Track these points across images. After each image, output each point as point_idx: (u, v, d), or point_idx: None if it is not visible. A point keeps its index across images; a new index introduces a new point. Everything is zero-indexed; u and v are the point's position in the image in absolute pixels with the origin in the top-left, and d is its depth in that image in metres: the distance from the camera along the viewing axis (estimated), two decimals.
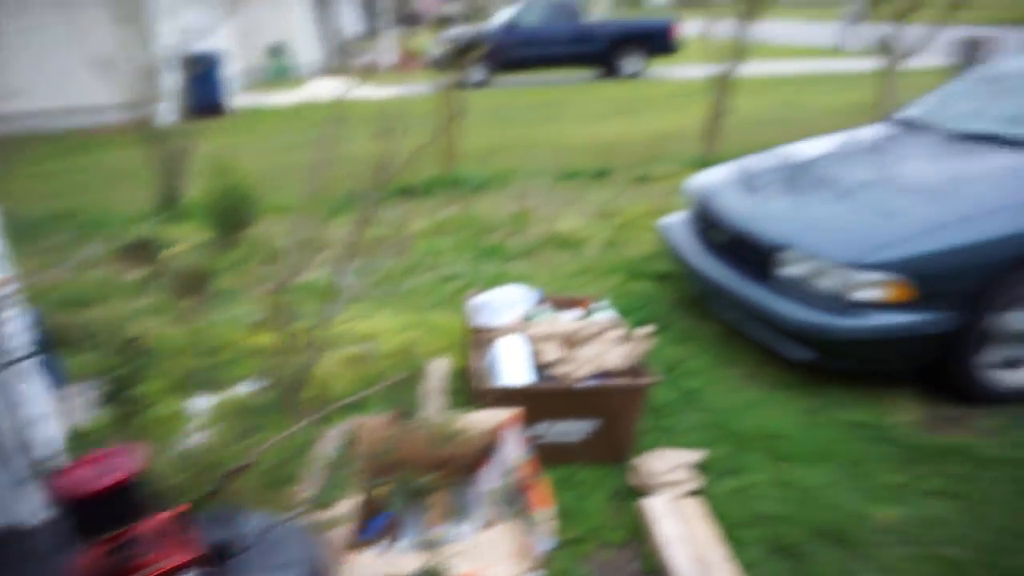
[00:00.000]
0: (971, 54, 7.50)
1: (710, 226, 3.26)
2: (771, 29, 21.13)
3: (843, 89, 9.90)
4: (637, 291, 3.72)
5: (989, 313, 2.50)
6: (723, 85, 6.39)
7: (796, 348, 2.69)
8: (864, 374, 2.76)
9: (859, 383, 2.76)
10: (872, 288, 2.48)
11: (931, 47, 6.55)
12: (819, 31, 19.73)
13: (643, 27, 13.55)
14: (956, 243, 2.46)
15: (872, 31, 6.71)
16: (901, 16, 6.58)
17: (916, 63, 7.17)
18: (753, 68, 13.08)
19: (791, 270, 2.72)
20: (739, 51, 6.27)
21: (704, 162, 5.90)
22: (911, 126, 3.63)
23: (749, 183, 3.41)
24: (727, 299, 2.97)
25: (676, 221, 3.65)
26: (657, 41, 13.29)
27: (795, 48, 17.17)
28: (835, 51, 14.94)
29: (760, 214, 3.04)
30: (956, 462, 2.35)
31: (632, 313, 3.38)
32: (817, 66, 13.53)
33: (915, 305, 2.47)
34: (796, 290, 2.69)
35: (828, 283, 2.58)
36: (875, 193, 2.96)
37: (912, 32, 6.40)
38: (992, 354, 2.59)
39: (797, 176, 3.34)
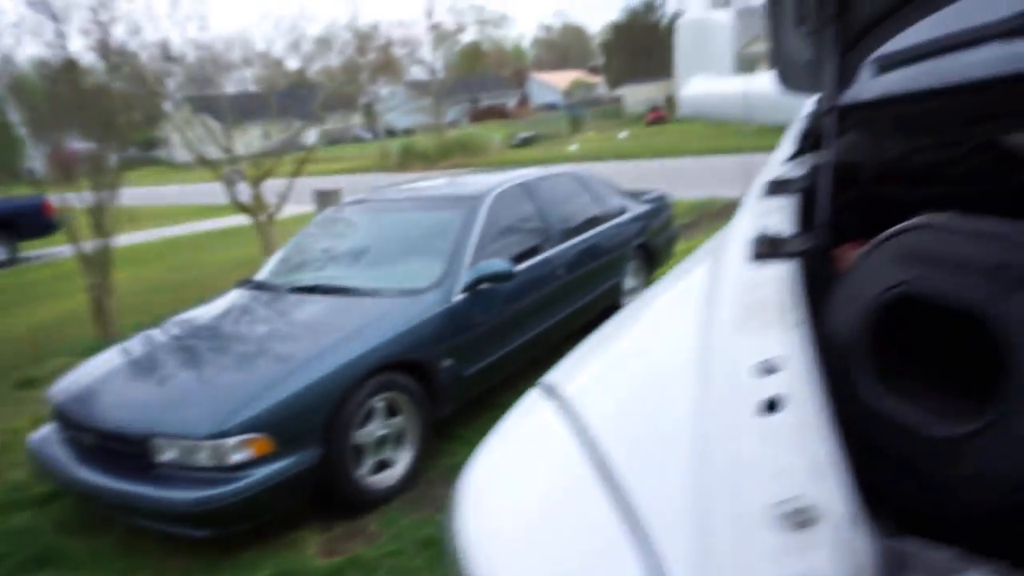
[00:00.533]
0: (325, 201, 8.98)
1: (78, 431, 3.01)
2: (169, 192, 21.31)
3: (242, 243, 10.56)
4: (16, 527, 3.16)
5: (347, 434, 2.93)
6: (100, 260, 6.08)
7: (194, 529, 2.66)
8: (267, 524, 2.89)
9: (265, 535, 2.89)
10: (239, 451, 2.65)
11: (296, 197, 7.56)
12: (218, 189, 20.78)
13: (3, 210, 11.82)
14: (295, 389, 2.82)
15: (248, 188, 7.42)
16: (262, 177, 7.45)
17: (289, 211, 8.19)
18: (151, 234, 12.92)
19: (166, 456, 2.70)
20: (101, 224, 6.03)
21: (98, 347, 5.48)
22: (259, 287, 4.06)
23: (113, 374, 3.29)
24: (116, 503, 2.77)
25: (45, 434, 3.27)
26: (27, 223, 11.80)
27: (196, 208, 17.70)
28: (234, 207, 15.91)
29: (122, 406, 2.96)
30: (355, 573, 2.64)
31: (9, 557, 2.85)
32: (219, 223, 14.18)
33: (281, 452, 2.72)
34: (177, 473, 2.68)
35: (202, 457, 2.65)
36: (228, 360, 3.19)
37: (276, 186, 7.29)
38: (364, 465, 3.04)
39: (157, 356, 3.37)
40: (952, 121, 1.24)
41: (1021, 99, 1.17)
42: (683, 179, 12.84)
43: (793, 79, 1.49)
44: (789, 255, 0.83)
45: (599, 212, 5.35)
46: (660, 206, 6.95)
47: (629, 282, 5.72)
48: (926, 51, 1.57)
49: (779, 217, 1.00)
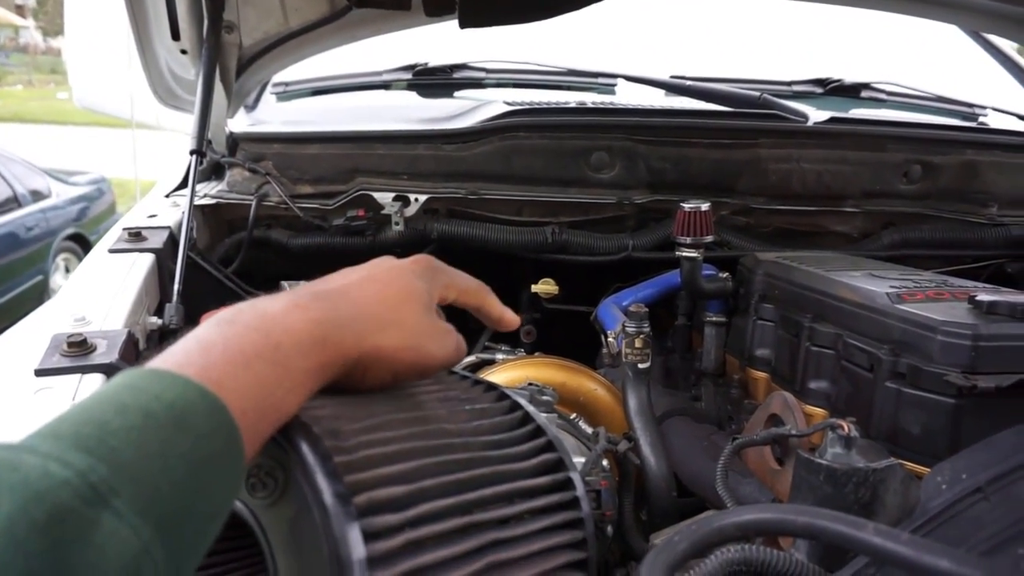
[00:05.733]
0: None
1: None
2: None
3: None
4: None
5: None
6: None
7: None
8: None
9: None
10: None
11: None
12: None
13: None
14: None
15: None
16: None
17: None
18: None
19: None
20: None
21: None
22: None
23: None
24: None
25: None
26: None
27: None
28: None
29: None
30: None
31: None
32: None
33: None
34: None
35: None
36: None
37: None
38: None
39: None
40: (333, 169, 1.23)
41: (374, 157, 1.23)
42: (143, 153, 11.49)
43: (172, 96, 1.30)
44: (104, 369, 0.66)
45: (9, 194, 4.33)
46: (99, 189, 6.04)
47: (60, 280, 4.81)
48: (324, 87, 1.57)
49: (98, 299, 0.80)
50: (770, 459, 0.73)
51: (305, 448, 0.44)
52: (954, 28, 1.68)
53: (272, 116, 1.44)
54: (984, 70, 1.77)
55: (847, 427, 0.60)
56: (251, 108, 1.47)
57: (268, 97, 1.53)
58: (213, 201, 1.22)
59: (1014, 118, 1.51)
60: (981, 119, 1.53)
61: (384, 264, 0.55)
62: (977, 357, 0.68)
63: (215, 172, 1.33)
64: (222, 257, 1.21)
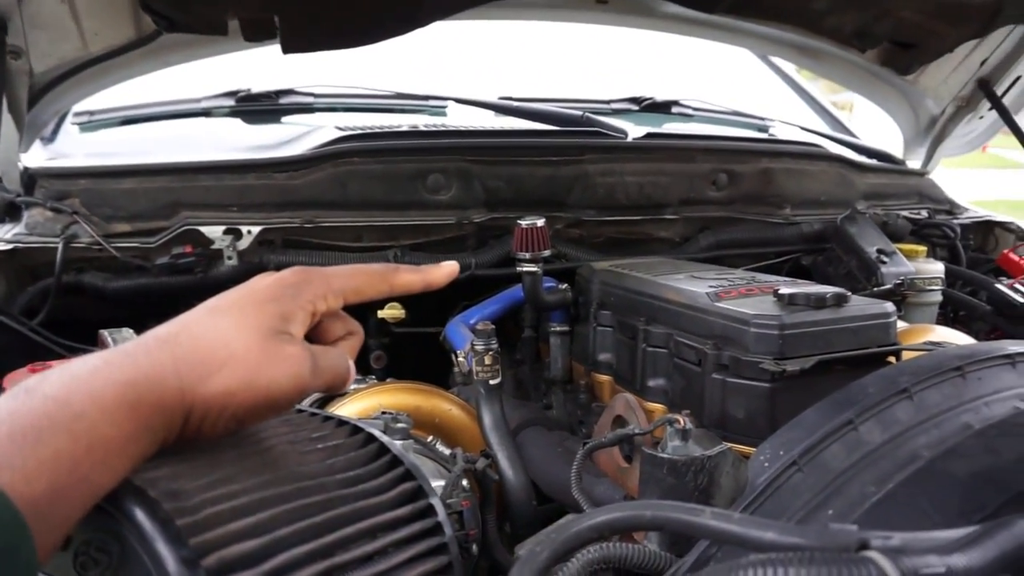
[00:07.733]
0: None
1: None
2: None
3: None
4: None
5: None
6: None
7: None
8: None
9: None
10: None
11: None
12: None
13: None
14: None
15: None
16: None
17: None
18: None
19: None
20: None
21: None
22: None
23: None
24: None
25: None
26: None
27: None
28: None
29: None
30: None
31: None
32: None
33: None
34: None
35: None
36: None
37: None
38: None
39: None
40: (152, 204, 1.15)
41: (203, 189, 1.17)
42: None
43: None
44: None
45: None
46: None
47: None
48: (135, 116, 1.46)
49: None
50: (619, 458, 0.77)
51: (140, 515, 0.40)
52: (746, 51, 1.88)
53: (75, 148, 1.32)
54: (771, 87, 2.00)
55: (683, 420, 0.65)
56: (49, 140, 1.34)
57: (69, 128, 1.40)
58: (8, 246, 1.09)
59: (797, 129, 1.72)
60: (771, 130, 1.72)
61: (242, 288, 0.50)
62: (784, 344, 0.76)
63: (9, 213, 1.19)
64: (25, 308, 1.09)
